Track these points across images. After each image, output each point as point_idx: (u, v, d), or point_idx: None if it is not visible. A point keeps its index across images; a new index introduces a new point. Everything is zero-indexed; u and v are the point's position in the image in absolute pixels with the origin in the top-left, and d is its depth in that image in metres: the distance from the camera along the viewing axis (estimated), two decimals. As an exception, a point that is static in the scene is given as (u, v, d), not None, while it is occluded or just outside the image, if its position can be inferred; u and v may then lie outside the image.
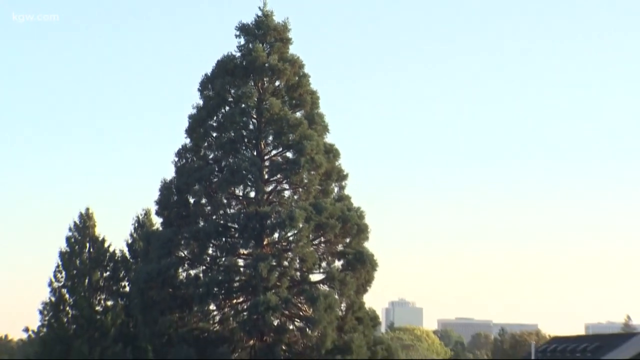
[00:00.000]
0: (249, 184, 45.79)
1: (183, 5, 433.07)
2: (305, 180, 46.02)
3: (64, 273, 51.01)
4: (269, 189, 46.75)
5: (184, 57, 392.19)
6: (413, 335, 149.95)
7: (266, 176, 46.45)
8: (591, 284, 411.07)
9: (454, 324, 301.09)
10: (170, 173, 47.51)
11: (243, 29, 47.88)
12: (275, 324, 44.08)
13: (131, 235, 54.06)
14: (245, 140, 47.06)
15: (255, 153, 46.68)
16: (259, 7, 48.16)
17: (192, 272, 45.95)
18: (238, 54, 47.69)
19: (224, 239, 45.81)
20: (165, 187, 46.95)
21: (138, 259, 51.22)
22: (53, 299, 50.81)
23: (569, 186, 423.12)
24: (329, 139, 47.94)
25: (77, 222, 51.92)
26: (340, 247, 46.22)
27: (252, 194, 46.19)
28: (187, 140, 47.61)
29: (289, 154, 46.47)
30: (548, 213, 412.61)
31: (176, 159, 47.56)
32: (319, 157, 45.71)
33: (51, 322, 50.54)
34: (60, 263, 51.16)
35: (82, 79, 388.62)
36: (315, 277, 45.70)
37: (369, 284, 46.39)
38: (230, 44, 50.24)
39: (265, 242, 44.98)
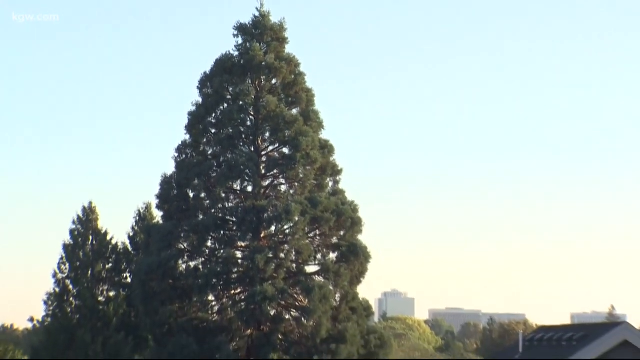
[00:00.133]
0: (247, 178, 46.17)
1: (182, 6, 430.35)
2: (301, 175, 46.43)
3: (67, 265, 51.38)
4: (265, 183, 47.08)
5: (183, 57, 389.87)
6: (405, 324, 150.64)
7: (263, 171, 46.81)
8: (577, 275, 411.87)
9: (445, 313, 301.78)
10: (170, 168, 47.76)
11: (241, 29, 48.14)
12: (272, 314, 44.25)
13: (133, 228, 54.58)
14: (243, 136, 47.41)
15: (252, 149, 47.04)
16: (257, 8, 48.40)
17: (192, 264, 46.07)
18: (236, 53, 47.93)
19: (222, 232, 46.19)
20: (166, 182, 47.23)
21: (139, 251, 51.68)
22: (57, 289, 51.19)
23: (556, 182, 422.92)
24: (324, 135, 48.20)
25: (81, 215, 52.19)
26: (334, 240, 46.39)
27: (250, 189, 46.52)
28: (187, 137, 47.80)
29: (285, 150, 46.76)
30: (536, 207, 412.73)
31: (176, 155, 47.79)
32: (314, 152, 46.07)
33: (55, 312, 50.96)
34: (64, 255, 51.51)
35: (82, 79, 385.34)
36: (310, 268, 45.93)
37: (363, 276, 46.70)
38: (228, 44, 50.90)
39: (262, 235, 45.32)
